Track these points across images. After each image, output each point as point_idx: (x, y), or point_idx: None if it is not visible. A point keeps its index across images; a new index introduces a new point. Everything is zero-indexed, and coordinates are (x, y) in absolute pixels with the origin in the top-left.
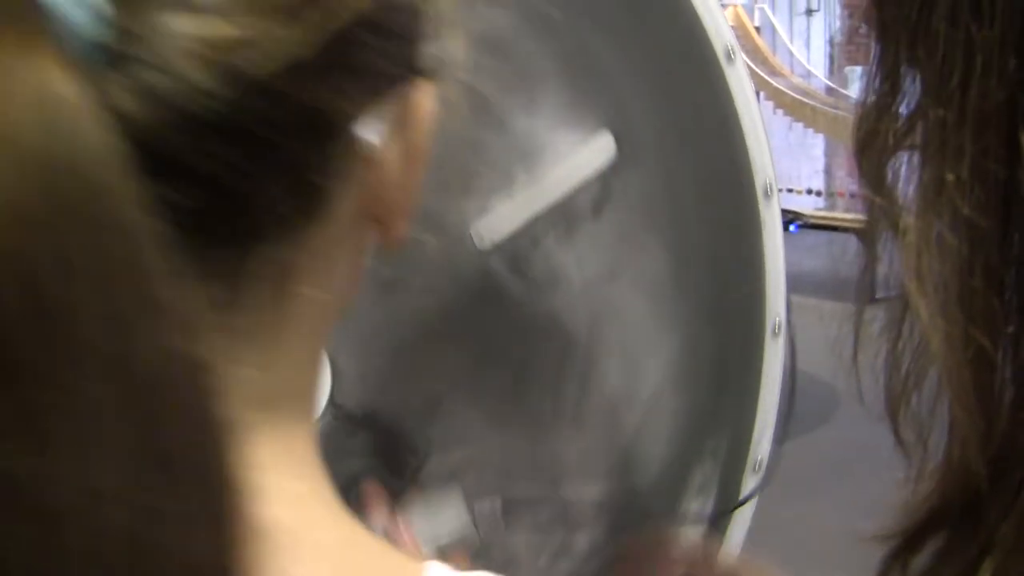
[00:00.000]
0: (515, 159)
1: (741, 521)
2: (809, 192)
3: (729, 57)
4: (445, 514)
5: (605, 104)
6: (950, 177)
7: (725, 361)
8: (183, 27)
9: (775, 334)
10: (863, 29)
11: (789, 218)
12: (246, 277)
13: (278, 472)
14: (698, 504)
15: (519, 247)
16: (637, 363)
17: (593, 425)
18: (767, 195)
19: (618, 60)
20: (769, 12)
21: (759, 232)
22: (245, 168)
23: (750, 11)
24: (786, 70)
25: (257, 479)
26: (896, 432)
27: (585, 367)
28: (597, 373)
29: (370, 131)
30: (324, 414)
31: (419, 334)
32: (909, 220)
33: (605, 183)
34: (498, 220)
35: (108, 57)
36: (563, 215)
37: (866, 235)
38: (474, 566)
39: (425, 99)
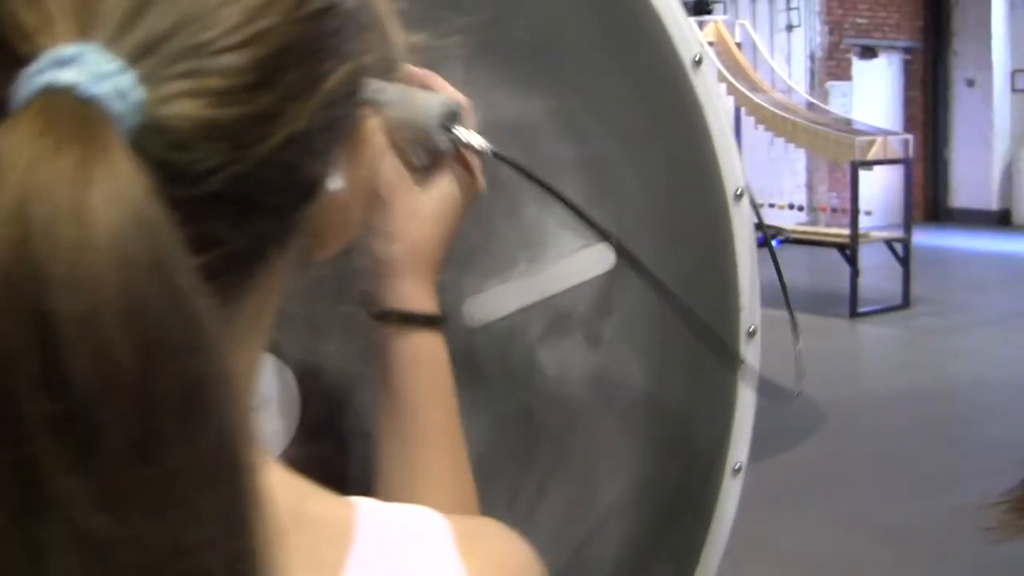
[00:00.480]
0: (520, 246)
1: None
2: (791, 207)
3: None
4: None
5: (614, 216)
6: None
7: (684, 493)
8: (198, 111)
9: (734, 473)
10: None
11: (771, 233)
12: (233, 304)
13: None
14: None
15: (506, 333)
16: (598, 476)
17: (544, 529)
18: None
19: (635, 171)
20: (750, 28)
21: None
22: (244, 223)
23: (731, 27)
24: (767, 85)
25: None
26: None
27: (547, 468)
28: (557, 477)
29: (334, 180)
30: None
31: None
32: None
33: (604, 294)
34: (491, 302)
35: (136, 138)
36: (555, 314)
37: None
38: None
39: (372, 135)
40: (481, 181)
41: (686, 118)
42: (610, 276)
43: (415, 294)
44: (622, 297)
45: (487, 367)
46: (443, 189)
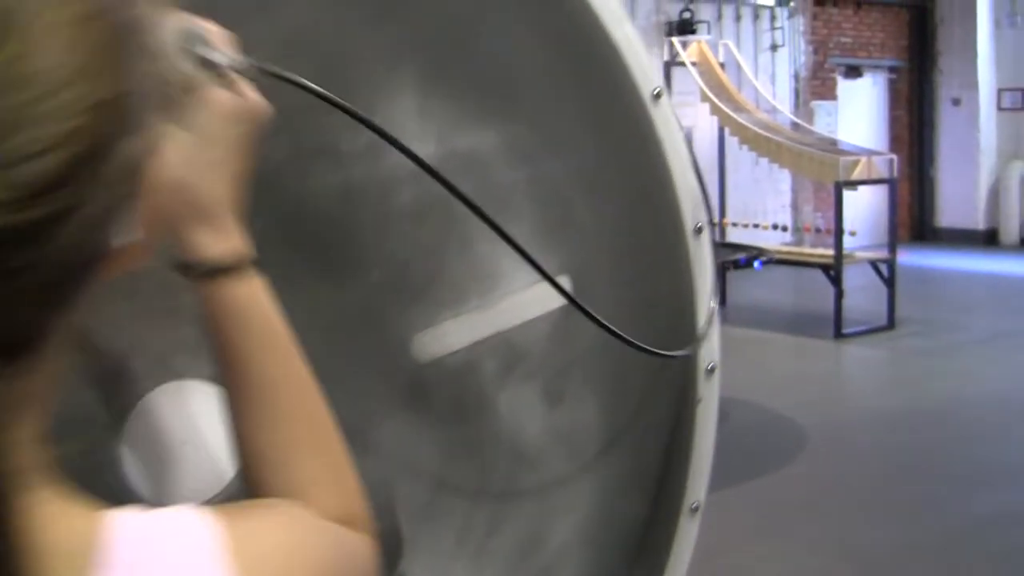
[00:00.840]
0: (472, 280)
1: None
2: (775, 227)
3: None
4: None
5: (568, 248)
6: None
7: (640, 533)
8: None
9: (692, 513)
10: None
11: (753, 254)
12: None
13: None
14: None
15: (459, 368)
16: (552, 512)
17: (496, 564)
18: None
19: (591, 202)
20: (734, 48)
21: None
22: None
23: (714, 47)
24: (751, 105)
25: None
26: None
27: (498, 504)
28: (509, 513)
29: (119, 237)
30: None
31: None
32: None
33: (559, 329)
34: (444, 336)
35: None
36: (508, 349)
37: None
38: None
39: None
40: (255, 99)
41: (645, 151)
42: (565, 311)
43: (204, 241)
44: (577, 333)
45: (438, 401)
46: (199, 123)
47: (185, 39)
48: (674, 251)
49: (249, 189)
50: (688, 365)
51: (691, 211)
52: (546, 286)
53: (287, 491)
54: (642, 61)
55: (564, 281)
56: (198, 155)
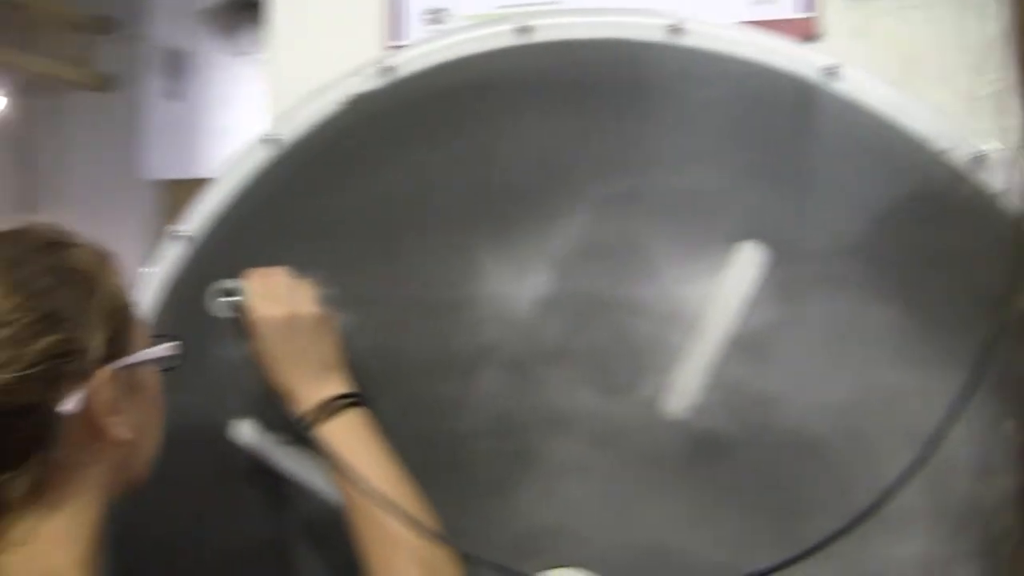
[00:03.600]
0: (665, 327)
1: None
2: None
3: None
4: None
5: (732, 213)
6: None
7: None
8: None
9: None
10: None
11: None
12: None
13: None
14: None
15: (720, 398)
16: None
17: None
18: None
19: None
20: None
21: None
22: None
23: None
24: None
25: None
26: None
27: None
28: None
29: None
30: None
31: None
32: None
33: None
34: (681, 389)
35: None
36: (745, 343)
37: None
38: None
39: (101, 384)
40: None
41: None
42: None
43: (298, 400)
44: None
45: (725, 435)
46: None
47: (220, 292)
48: None
49: None
50: None
51: None
52: (733, 268)
53: None
54: None
55: (749, 249)
56: (268, 349)
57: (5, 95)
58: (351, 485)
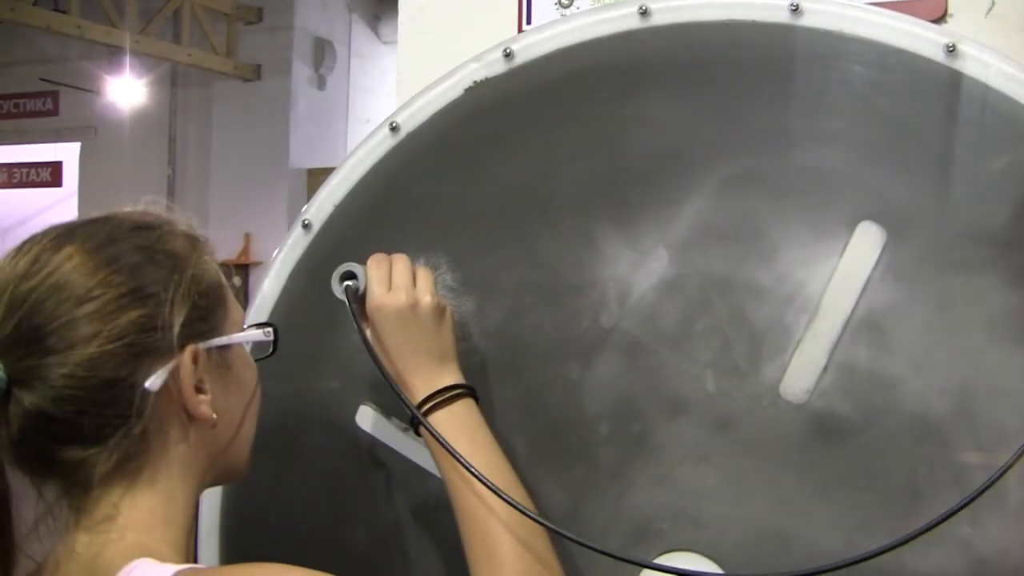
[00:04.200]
0: (784, 309)
1: None
2: None
3: None
4: None
5: (852, 194)
6: None
7: None
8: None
9: None
10: None
11: None
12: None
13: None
14: None
15: (839, 380)
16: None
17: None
18: None
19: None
20: None
21: None
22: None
23: None
24: None
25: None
26: None
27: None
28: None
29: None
30: None
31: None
32: None
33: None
34: (800, 372)
35: (7, 387)
36: (865, 325)
37: None
38: None
39: (186, 361)
40: (366, 313)
41: None
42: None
43: (414, 389)
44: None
45: (844, 418)
46: (376, 319)
47: (342, 276)
48: None
49: None
50: None
51: None
52: (852, 250)
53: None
54: None
55: (870, 229)
56: (385, 335)
57: (146, 85)
58: (456, 473)
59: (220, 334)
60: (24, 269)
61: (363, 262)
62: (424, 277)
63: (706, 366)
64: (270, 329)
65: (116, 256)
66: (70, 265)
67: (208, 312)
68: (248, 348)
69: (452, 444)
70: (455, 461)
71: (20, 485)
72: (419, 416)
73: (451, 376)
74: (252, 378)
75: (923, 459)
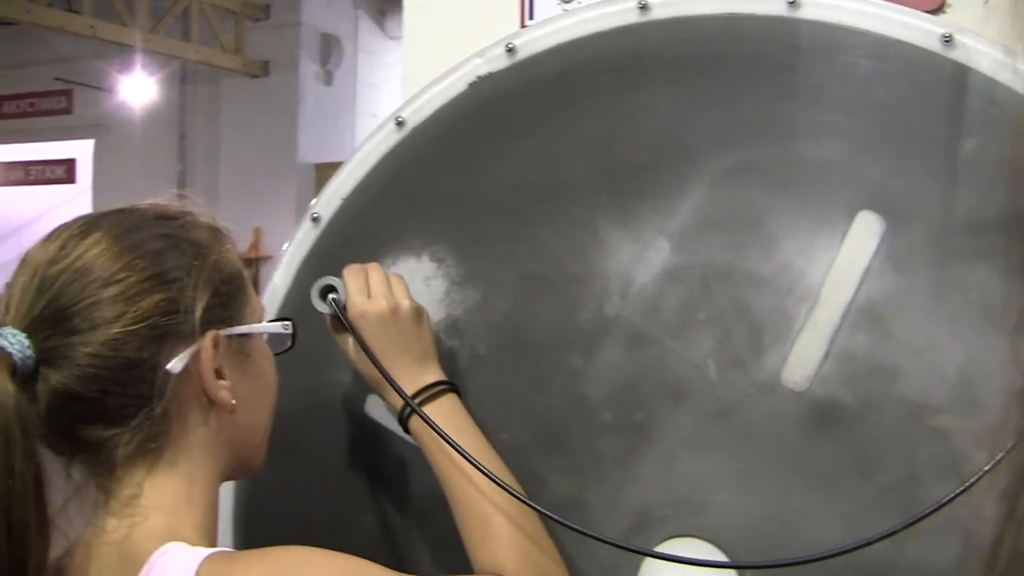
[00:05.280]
0: (785, 299)
1: None
2: None
3: None
4: None
5: (850, 184)
6: None
7: None
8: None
9: None
10: None
11: None
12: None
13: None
14: None
15: (839, 368)
16: None
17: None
18: None
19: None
20: None
21: None
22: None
23: None
24: None
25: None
26: None
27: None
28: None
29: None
30: None
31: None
32: None
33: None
34: (801, 360)
35: (35, 365)
36: (864, 313)
37: None
38: None
39: (207, 346)
40: (346, 325)
41: None
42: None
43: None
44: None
45: (845, 405)
46: (360, 326)
47: (321, 288)
48: None
49: None
50: None
51: None
52: (852, 238)
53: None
54: None
55: (869, 218)
56: (369, 341)
57: (157, 82)
58: (448, 461)
59: (241, 322)
60: (53, 254)
61: (370, 255)
62: (398, 283)
63: (707, 355)
64: (289, 323)
65: (140, 242)
66: (96, 250)
67: (229, 299)
68: (265, 340)
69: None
70: (446, 452)
71: (50, 465)
72: (415, 407)
73: (433, 374)
74: (270, 369)
75: (923, 446)
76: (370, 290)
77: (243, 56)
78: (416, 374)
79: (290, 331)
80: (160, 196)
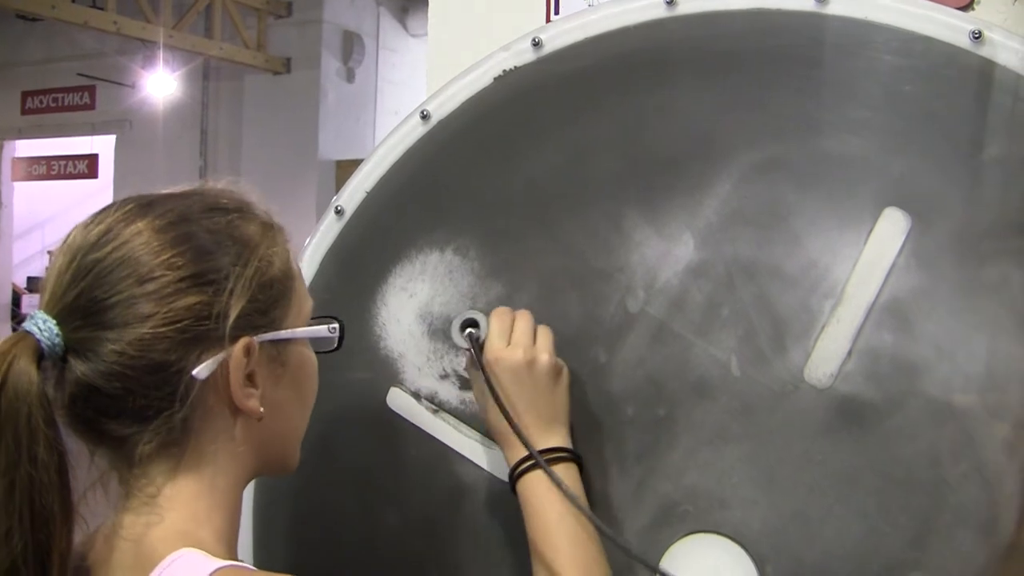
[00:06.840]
0: (809, 295)
1: None
2: None
3: None
4: None
5: (877, 181)
6: None
7: None
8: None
9: None
10: None
11: None
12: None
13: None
14: None
15: (863, 366)
16: None
17: None
18: None
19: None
20: None
21: None
22: (138, 391)
23: None
24: None
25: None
26: None
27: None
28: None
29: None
30: None
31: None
32: None
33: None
34: (825, 357)
35: (63, 353)
36: (889, 311)
37: None
38: None
39: (238, 353)
40: (486, 362)
41: None
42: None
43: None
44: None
45: (869, 402)
46: (493, 372)
47: (462, 323)
48: None
49: None
50: None
51: None
52: (878, 236)
53: None
54: None
55: (895, 216)
56: (500, 389)
57: (179, 78)
58: (545, 538)
59: (280, 327)
60: (95, 239)
61: (394, 248)
62: (544, 336)
63: (731, 350)
64: (335, 325)
65: (184, 237)
66: (138, 241)
67: (269, 305)
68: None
69: (543, 506)
70: (546, 523)
71: (75, 450)
72: (544, 464)
73: (558, 439)
74: (309, 373)
75: (946, 445)
76: (512, 337)
77: (265, 53)
78: (539, 435)
79: (336, 333)
80: (221, 180)
